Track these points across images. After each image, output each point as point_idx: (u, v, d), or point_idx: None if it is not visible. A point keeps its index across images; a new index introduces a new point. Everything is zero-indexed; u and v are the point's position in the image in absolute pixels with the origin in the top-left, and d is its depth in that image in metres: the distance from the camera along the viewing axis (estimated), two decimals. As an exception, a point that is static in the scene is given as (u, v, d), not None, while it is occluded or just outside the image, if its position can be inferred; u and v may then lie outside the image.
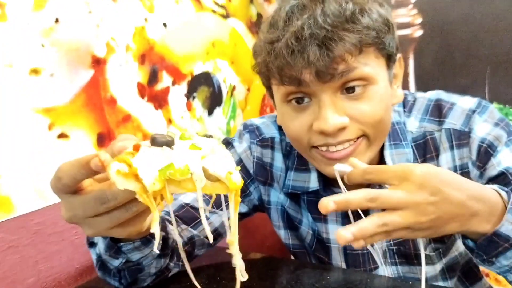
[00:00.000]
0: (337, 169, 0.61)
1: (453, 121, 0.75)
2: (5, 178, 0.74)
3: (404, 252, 0.77)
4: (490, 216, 0.55)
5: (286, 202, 0.87)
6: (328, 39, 0.61)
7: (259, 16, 1.40)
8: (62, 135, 0.82)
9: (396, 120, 0.78)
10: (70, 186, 0.44)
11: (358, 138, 0.68)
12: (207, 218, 0.81)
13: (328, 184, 0.80)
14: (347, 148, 0.67)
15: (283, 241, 0.91)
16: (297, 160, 0.83)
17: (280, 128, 0.87)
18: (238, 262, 0.49)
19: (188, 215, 0.79)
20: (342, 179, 0.65)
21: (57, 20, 0.80)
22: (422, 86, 0.73)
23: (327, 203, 0.52)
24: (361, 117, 0.66)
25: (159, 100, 1.02)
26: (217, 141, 0.46)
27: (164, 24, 1.02)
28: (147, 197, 0.41)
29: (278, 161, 0.86)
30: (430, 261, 0.77)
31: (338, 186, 0.75)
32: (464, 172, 0.74)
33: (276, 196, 0.88)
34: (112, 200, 0.43)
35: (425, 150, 0.76)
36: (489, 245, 0.56)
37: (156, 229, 0.42)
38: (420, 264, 0.75)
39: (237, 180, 0.44)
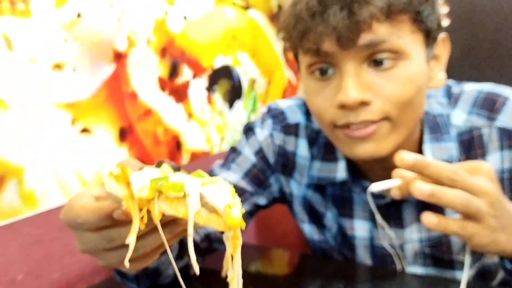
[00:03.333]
0: (374, 189, 0.57)
1: (506, 119, 0.69)
2: (29, 173, 0.74)
3: (437, 255, 0.74)
4: None
5: (309, 194, 0.82)
6: (352, 1, 0.57)
7: (280, 7, 1.38)
8: (84, 130, 0.82)
9: (438, 111, 0.72)
10: (88, 230, 0.42)
11: (381, 120, 0.62)
12: None
13: (358, 176, 0.76)
14: (368, 127, 0.62)
15: (306, 237, 0.88)
16: (323, 148, 0.79)
17: (306, 113, 0.83)
18: None
19: None
20: (379, 196, 0.63)
21: (79, 15, 0.79)
22: (449, 77, 0.71)
23: (403, 156, 0.51)
24: (386, 95, 0.60)
25: (180, 94, 1.02)
26: (227, 183, 0.41)
27: (185, 17, 1.02)
28: (132, 203, 0.38)
29: (303, 149, 0.81)
30: (461, 266, 0.73)
31: (369, 179, 0.74)
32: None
33: (298, 188, 0.83)
34: (117, 238, 0.41)
35: (470, 147, 0.71)
36: None
37: (131, 241, 0.38)
38: (453, 269, 0.74)
39: (237, 217, 0.38)
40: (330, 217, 0.82)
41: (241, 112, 1.22)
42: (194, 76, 1.06)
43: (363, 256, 0.80)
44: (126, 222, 0.39)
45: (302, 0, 0.60)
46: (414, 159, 0.50)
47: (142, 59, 0.92)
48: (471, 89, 0.74)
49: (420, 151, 0.71)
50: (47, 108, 0.76)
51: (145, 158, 0.94)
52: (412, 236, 0.74)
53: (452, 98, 0.74)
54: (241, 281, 0.41)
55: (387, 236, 0.74)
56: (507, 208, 0.55)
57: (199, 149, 1.09)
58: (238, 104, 1.21)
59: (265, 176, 0.83)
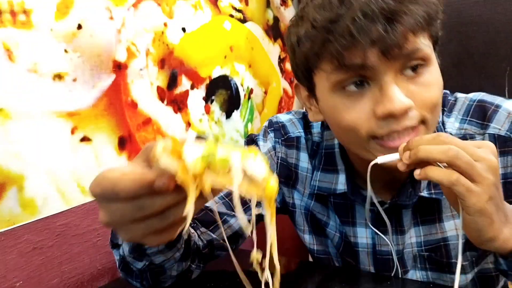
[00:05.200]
0: (380, 161, 0.59)
1: (498, 125, 0.70)
2: (30, 181, 0.75)
3: (435, 259, 0.75)
4: None
5: (311, 204, 0.84)
6: (396, 13, 0.57)
7: (276, 19, 1.41)
8: (84, 139, 0.83)
9: None
10: (121, 199, 0.41)
11: (418, 124, 0.62)
12: (227, 222, 0.80)
13: (357, 187, 0.77)
14: (411, 134, 0.62)
15: (307, 246, 0.89)
16: (324, 160, 0.80)
17: (306, 126, 0.84)
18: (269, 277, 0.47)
19: (207, 219, 0.78)
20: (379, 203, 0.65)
21: (79, 26, 0.81)
22: (441, 87, 0.73)
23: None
24: (422, 100, 0.61)
25: (178, 104, 1.04)
26: (261, 155, 0.45)
27: (183, 29, 1.04)
28: (187, 176, 0.40)
29: (304, 162, 0.83)
30: (462, 270, 0.74)
31: (367, 189, 0.74)
32: (507, 182, 0.70)
33: (300, 199, 0.85)
34: (149, 207, 0.41)
35: None
36: None
37: (189, 211, 0.41)
38: (452, 273, 0.74)
39: (274, 186, 0.44)
40: (332, 226, 0.83)
41: (238, 121, 1.24)
42: (193, 87, 1.08)
43: (365, 263, 0.81)
44: (162, 192, 0.40)
45: (343, 16, 0.58)
46: (408, 143, 0.55)
47: (141, 69, 0.94)
48: (464, 98, 0.75)
49: None
50: (48, 117, 0.78)
51: (143, 167, 0.96)
52: (411, 240, 0.76)
53: (446, 106, 0.75)
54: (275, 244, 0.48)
55: (389, 242, 0.75)
56: (502, 197, 0.56)
57: (196, 158, 1.10)
58: (235, 113, 1.23)
59: None
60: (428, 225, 0.74)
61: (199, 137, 0.45)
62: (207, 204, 0.80)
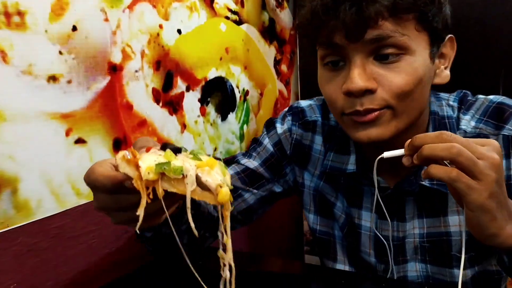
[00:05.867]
0: (386, 156, 0.62)
1: None
2: (24, 183, 0.75)
3: (436, 251, 0.77)
4: None
5: (320, 184, 0.88)
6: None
7: (272, 21, 1.41)
8: (79, 141, 0.83)
9: (448, 114, 0.77)
10: (103, 192, 0.50)
11: (382, 108, 0.67)
12: (241, 196, 0.86)
13: (366, 169, 0.81)
14: (372, 114, 0.68)
15: (310, 225, 0.92)
16: (339, 142, 0.85)
17: (324, 112, 0.90)
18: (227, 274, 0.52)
19: None
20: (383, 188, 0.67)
21: (74, 28, 0.81)
22: (436, 88, 0.73)
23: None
24: (388, 85, 0.66)
25: (174, 105, 1.04)
26: (222, 164, 0.50)
27: (179, 31, 1.04)
28: (141, 183, 0.47)
29: (318, 144, 0.88)
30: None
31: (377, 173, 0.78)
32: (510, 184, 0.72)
33: (310, 180, 0.90)
34: (124, 201, 0.49)
35: None
36: None
37: (140, 213, 0.47)
38: (451, 267, 0.77)
39: (226, 194, 0.47)
40: (339, 207, 0.87)
41: (233, 123, 1.24)
42: (188, 88, 1.08)
43: (366, 245, 0.83)
44: (134, 191, 0.47)
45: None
46: (414, 139, 0.57)
47: (137, 71, 0.94)
48: (483, 98, 0.78)
49: None
50: (42, 119, 0.77)
51: (138, 168, 0.95)
52: (414, 231, 0.78)
53: (464, 104, 0.78)
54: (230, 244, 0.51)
55: (389, 228, 0.78)
56: (505, 194, 0.57)
57: (192, 160, 1.10)
58: (231, 115, 1.23)
59: (281, 166, 0.91)
60: (433, 218, 0.77)
61: (174, 148, 0.50)
62: None
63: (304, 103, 0.93)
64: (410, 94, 0.67)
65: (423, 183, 0.74)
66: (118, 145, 0.90)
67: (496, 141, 0.57)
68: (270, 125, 0.93)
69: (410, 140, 0.58)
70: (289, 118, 0.91)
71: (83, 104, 0.84)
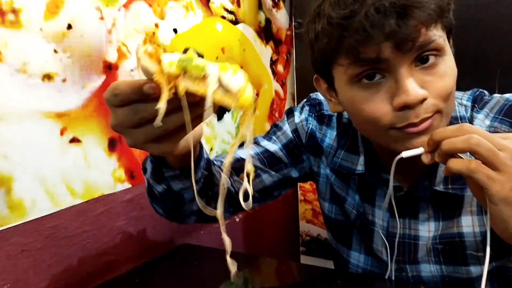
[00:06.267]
0: (405, 155, 0.62)
1: None
2: (18, 182, 0.74)
3: (449, 252, 0.76)
4: None
5: (332, 177, 0.89)
6: (407, 7, 0.59)
7: (268, 21, 1.41)
8: (74, 140, 0.83)
9: (461, 114, 0.75)
10: (125, 102, 0.47)
11: (433, 114, 0.65)
12: (259, 176, 0.86)
13: (375, 170, 0.80)
14: (426, 121, 0.64)
15: (325, 213, 0.93)
16: (350, 141, 0.85)
17: None
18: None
19: (242, 169, 0.81)
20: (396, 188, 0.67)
21: (69, 26, 0.81)
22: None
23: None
24: (436, 90, 0.64)
25: (169, 105, 1.03)
26: (245, 73, 0.47)
27: (175, 30, 1.03)
28: (162, 77, 0.44)
29: (330, 139, 0.88)
30: (477, 261, 0.75)
31: (386, 172, 0.78)
32: None
33: (324, 169, 0.91)
34: (142, 111, 0.46)
35: None
36: None
37: (162, 106, 0.44)
38: (467, 265, 0.75)
39: (249, 96, 0.45)
40: (350, 203, 0.87)
41: (229, 123, 1.24)
42: (184, 88, 1.07)
43: (378, 243, 0.83)
44: (153, 98, 0.44)
45: (358, 12, 0.61)
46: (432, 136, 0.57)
47: (132, 70, 0.93)
48: (499, 97, 0.76)
49: None
50: (36, 118, 0.77)
51: (134, 168, 0.95)
52: (429, 234, 0.77)
53: (478, 103, 0.76)
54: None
55: (399, 228, 0.77)
56: None
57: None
58: (227, 115, 1.22)
59: (299, 152, 0.91)
60: (447, 220, 0.76)
61: (197, 52, 0.47)
62: (243, 156, 0.82)
63: (322, 96, 0.89)
64: (451, 95, 0.66)
65: (437, 188, 0.73)
66: (113, 144, 0.90)
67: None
68: (289, 112, 0.94)
69: (429, 136, 0.58)
70: (307, 108, 0.92)
71: (78, 103, 0.83)
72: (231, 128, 1.25)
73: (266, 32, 1.40)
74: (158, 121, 0.45)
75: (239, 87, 0.44)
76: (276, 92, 1.47)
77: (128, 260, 0.94)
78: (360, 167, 0.81)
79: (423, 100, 0.63)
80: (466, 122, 0.74)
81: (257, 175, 0.86)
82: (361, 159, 0.81)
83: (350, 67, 0.65)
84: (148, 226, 0.84)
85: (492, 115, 0.74)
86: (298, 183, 1.02)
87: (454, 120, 0.74)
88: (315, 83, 0.79)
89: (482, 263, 0.73)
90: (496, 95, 0.77)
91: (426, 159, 0.59)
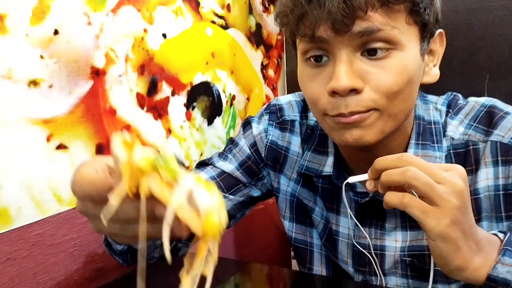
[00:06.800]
0: (350, 181, 0.60)
1: (502, 133, 0.67)
2: (4, 190, 0.73)
3: (417, 266, 0.73)
4: (492, 257, 0.54)
5: (298, 189, 0.84)
6: None
7: (258, 26, 1.40)
8: (60, 146, 0.82)
9: (435, 119, 0.72)
10: (85, 198, 0.45)
11: (369, 110, 0.62)
12: None
13: (342, 171, 0.77)
14: (359, 117, 0.62)
15: (286, 232, 0.89)
16: (317, 141, 0.80)
17: (303, 110, 0.85)
18: None
19: (226, 183, 0.83)
20: (363, 193, 0.65)
21: (56, 32, 0.80)
22: (425, 90, 0.73)
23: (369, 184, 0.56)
24: (377, 84, 0.60)
25: (159, 110, 1.02)
26: (221, 196, 0.41)
27: (164, 35, 1.03)
28: (128, 169, 0.39)
29: (295, 146, 0.83)
30: (445, 279, 0.72)
31: (353, 174, 0.72)
32: (507, 193, 0.67)
33: (286, 184, 0.85)
34: (107, 215, 0.42)
35: (465, 162, 0.69)
36: None
37: (114, 201, 0.40)
38: (434, 281, 0.70)
39: (216, 223, 0.38)
40: (318, 212, 0.82)
41: (220, 128, 1.23)
42: (173, 93, 1.06)
43: (344, 254, 0.79)
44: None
45: None
46: (371, 173, 0.55)
47: (120, 76, 0.92)
48: (474, 102, 0.73)
49: None
50: (22, 124, 0.76)
51: (122, 174, 0.94)
52: (396, 244, 0.73)
53: (453, 108, 0.73)
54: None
55: (367, 236, 0.74)
56: (472, 223, 0.54)
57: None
58: (217, 120, 1.22)
59: (258, 169, 0.86)
60: (417, 231, 0.72)
61: (178, 160, 0.42)
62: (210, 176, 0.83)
63: (283, 99, 0.88)
64: (399, 94, 0.62)
65: None
66: (101, 151, 0.89)
67: (462, 167, 0.55)
68: (246, 124, 0.89)
69: (373, 163, 0.56)
70: (266, 117, 0.86)
71: (65, 109, 0.82)
72: (221, 133, 1.24)
73: (256, 37, 1.40)
74: (105, 216, 0.40)
75: (208, 207, 0.38)
76: (267, 97, 1.47)
77: (116, 268, 0.92)
78: (328, 168, 0.77)
79: (354, 90, 0.60)
80: (440, 128, 0.72)
81: None
82: (330, 159, 0.77)
83: (300, 42, 0.64)
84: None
85: (467, 122, 0.71)
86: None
87: (427, 125, 0.72)
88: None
89: (450, 282, 0.71)
90: (472, 99, 0.74)
91: (369, 186, 0.57)
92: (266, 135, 0.85)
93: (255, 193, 0.87)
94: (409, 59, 0.61)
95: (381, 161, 0.55)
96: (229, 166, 0.85)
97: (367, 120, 0.62)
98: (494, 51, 1.19)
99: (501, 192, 0.68)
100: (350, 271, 0.79)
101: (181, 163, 0.42)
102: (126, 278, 0.89)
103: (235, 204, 0.85)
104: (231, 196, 0.84)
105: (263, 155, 0.85)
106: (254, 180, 0.87)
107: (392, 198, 0.53)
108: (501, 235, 0.55)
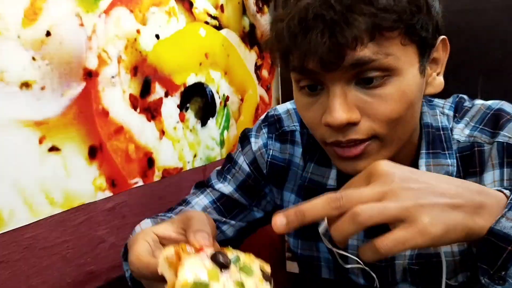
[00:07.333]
0: (321, 231, 0.56)
1: (509, 134, 0.65)
2: (-4, 193, 0.73)
3: (425, 274, 0.69)
4: (498, 213, 0.45)
5: (300, 202, 0.77)
6: (333, 23, 0.52)
7: (252, 26, 1.40)
8: (53, 148, 0.81)
9: (443, 125, 0.69)
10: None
11: (369, 139, 0.59)
12: (218, 228, 0.80)
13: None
14: (357, 147, 0.59)
15: (291, 248, 0.86)
16: (319, 153, 0.76)
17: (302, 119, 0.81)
18: None
19: (229, 205, 0.82)
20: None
21: (48, 33, 0.79)
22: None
23: (275, 220, 0.45)
24: (374, 114, 0.57)
25: (152, 112, 1.02)
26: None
27: (157, 36, 1.02)
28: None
29: (297, 157, 0.80)
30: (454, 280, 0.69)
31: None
32: None
33: (288, 199, 0.81)
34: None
35: (470, 164, 0.67)
36: (489, 251, 0.44)
37: None
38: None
39: None
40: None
41: (214, 129, 1.23)
42: (167, 94, 1.06)
43: (354, 269, 0.76)
44: None
45: (284, 19, 0.55)
46: (285, 217, 0.46)
47: (113, 77, 0.92)
48: (480, 104, 0.70)
49: (415, 167, 0.68)
50: (14, 126, 0.75)
51: (115, 176, 0.94)
52: (404, 252, 0.70)
53: (459, 112, 0.71)
54: None
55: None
56: (440, 184, 0.45)
57: (171, 166, 1.09)
58: (211, 121, 1.22)
59: (260, 187, 0.83)
60: None
61: (214, 256, 0.47)
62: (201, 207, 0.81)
63: (281, 108, 0.84)
64: (399, 121, 0.58)
65: None
66: (93, 152, 0.88)
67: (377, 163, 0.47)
68: (244, 139, 0.84)
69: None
70: (265, 130, 0.82)
71: (57, 111, 0.82)
72: (215, 134, 1.24)
73: (250, 37, 1.39)
74: None
75: None
76: (261, 98, 1.46)
77: (110, 270, 0.92)
78: (331, 182, 0.74)
79: (350, 124, 0.57)
80: (448, 133, 0.68)
81: (216, 227, 0.75)
82: (333, 172, 0.74)
83: (292, 71, 0.61)
84: (129, 235, 0.82)
85: (473, 124, 0.68)
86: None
87: (436, 132, 0.69)
88: None
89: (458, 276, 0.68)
90: (478, 102, 0.72)
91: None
92: (267, 150, 0.81)
93: (258, 214, 0.84)
94: (408, 83, 0.58)
95: (309, 214, 0.46)
96: (228, 188, 0.83)
97: (368, 150, 0.60)
98: (487, 53, 1.20)
99: None
100: (361, 283, 0.77)
101: (225, 265, 0.47)
102: (120, 280, 0.88)
103: (237, 229, 0.83)
104: (232, 222, 0.82)
105: (264, 172, 0.82)
106: (255, 200, 0.84)
107: (368, 255, 0.44)
108: (507, 191, 0.48)
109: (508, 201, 0.46)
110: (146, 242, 0.55)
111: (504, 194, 0.48)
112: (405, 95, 0.58)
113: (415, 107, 0.62)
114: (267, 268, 0.50)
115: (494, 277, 0.45)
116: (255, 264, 0.49)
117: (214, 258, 0.47)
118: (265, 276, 0.48)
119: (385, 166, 0.45)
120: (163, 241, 0.57)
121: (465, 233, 0.43)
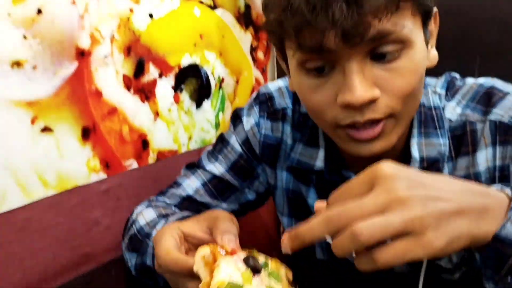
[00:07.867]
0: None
1: (502, 112, 0.63)
2: (-13, 174, 0.72)
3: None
4: (501, 215, 0.43)
5: (292, 182, 0.80)
6: None
7: (248, 7, 1.38)
8: (45, 129, 0.80)
9: (435, 104, 0.67)
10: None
11: (385, 118, 0.57)
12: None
13: (337, 167, 0.71)
14: (374, 128, 0.57)
15: (285, 228, 0.86)
16: (309, 132, 0.75)
17: (295, 96, 0.79)
18: None
19: (222, 186, 0.82)
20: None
21: (39, 11, 0.77)
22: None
23: (282, 243, 0.45)
24: (392, 90, 0.55)
25: (146, 93, 1.00)
26: None
27: (150, 15, 1.00)
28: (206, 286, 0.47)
29: (288, 136, 0.79)
30: (449, 272, 0.68)
31: (351, 169, 0.69)
32: (503, 175, 0.63)
33: (281, 177, 0.80)
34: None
35: (462, 143, 0.66)
36: (495, 258, 0.43)
37: None
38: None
39: None
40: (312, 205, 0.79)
41: (209, 111, 1.22)
42: (161, 75, 1.04)
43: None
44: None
45: None
46: (289, 238, 0.44)
47: (106, 57, 0.90)
48: (472, 83, 0.69)
49: (407, 146, 0.67)
50: (6, 106, 0.74)
51: (110, 157, 0.93)
52: None
53: (450, 90, 0.69)
54: None
55: None
56: (443, 187, 0.43)
57: (166, 148, 1.07)
58: (206, 103, 1.20)
59: (252, 167, 0.82)
60: None
61: (247, 259, 0.49)
62: (190, 194, 0.81)
63: (272, 86, 0.81)
64: (413, 95, 0.57)
65: None
66: (87, 133, 0.87)
67: (377, 168, 0.43)
68: (236, 118, 0.83)
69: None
70: (256, 109, 0.81)
71: (49, 91, 0.80)
72: (210, 116, 1.23)
73: (245, 18, 1.37)
74: None
75: None
76: (257, 80, 1.45)
77: (104, 252, 0.92)
78: (319, 163, 0.72)
79: (372, 101, 0.55)
80: (440, 113, 0.67)
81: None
82: (321, 153, 0.72)
83: (296, 52, 0.57)
84: (124, 217, 0.82)
85: (465, 102, 0.67)
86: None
87: (428, 111, 0.68)
88: (277, 54, 0.68)
89: (454, 273, 0.67)
90: (470, 80, 0.70)
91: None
92: (259, 130, 0.80)
93: (250, 196, 0.83)
94: (419, 55, 0.57)
95: (308, 238, 0.44)
96: (220, 168, 0.81)
97: (385, 129, 0.58)
98: (484, 33, 1.19)
99: (496, 174, 0.64)
100: (352, 260, 0.76)
101: (257, 269, 0.49)
102: (114, 262, 0.88)
103: (229, 212, 0.82)
104: (224, 205, 0.81)
105: (257, 152, 0.81)
106: (248, 181, 0.83)
107: (364, 266, 0.43)
108: (508, 191, 0.46)
109: (511, 202, 0.45)
110: (173, 238, 0.56)
111: (506, 194, 0.46)
112: (418, 67, 0.57)
113: (423, 81, 0.60)
114: (290, 275, 0.52)
115: (499, 282, 0.44)
116: (282, 270, 0.51)
117: (247, 262, 0.49)
118: (291, 283, 0.51)
119: (389, 169, 0.42)
120: (188, 239, 0.59)
121: (469, 241, 0.42)
